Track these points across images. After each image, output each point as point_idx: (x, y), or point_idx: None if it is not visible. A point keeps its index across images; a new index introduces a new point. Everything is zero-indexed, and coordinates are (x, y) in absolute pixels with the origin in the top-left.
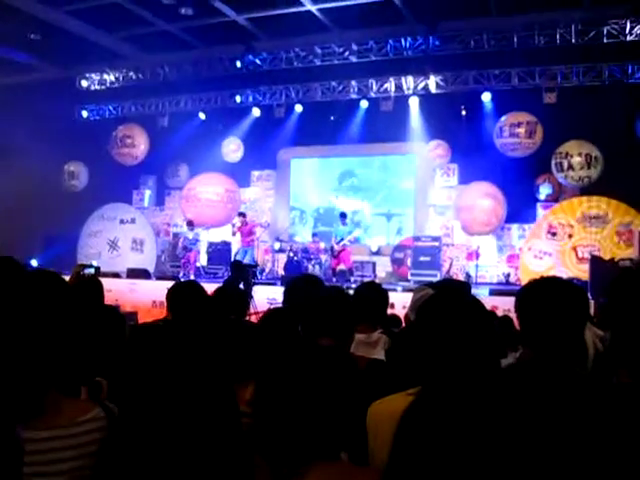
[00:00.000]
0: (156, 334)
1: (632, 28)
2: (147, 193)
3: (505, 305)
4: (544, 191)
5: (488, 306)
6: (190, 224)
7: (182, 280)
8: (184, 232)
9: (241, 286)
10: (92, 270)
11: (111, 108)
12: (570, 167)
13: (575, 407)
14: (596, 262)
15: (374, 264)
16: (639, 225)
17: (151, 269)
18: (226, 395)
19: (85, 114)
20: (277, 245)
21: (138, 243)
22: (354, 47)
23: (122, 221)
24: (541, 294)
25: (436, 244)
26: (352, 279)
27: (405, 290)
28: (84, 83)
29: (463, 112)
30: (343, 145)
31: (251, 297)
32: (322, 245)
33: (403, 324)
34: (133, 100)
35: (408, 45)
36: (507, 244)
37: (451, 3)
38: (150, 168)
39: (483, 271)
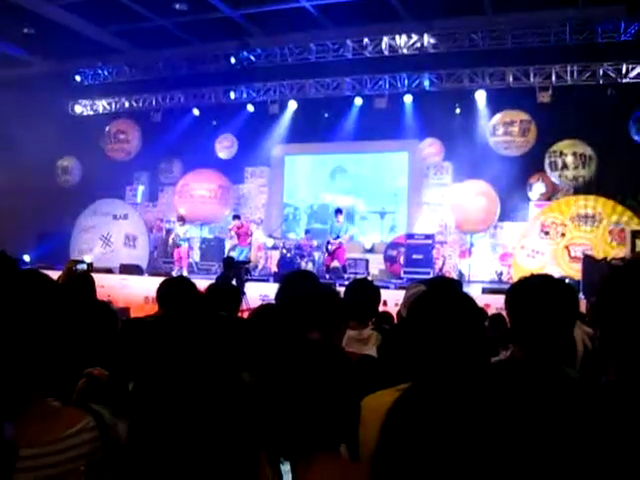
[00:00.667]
0: (148, 329)
1: (626, 28)
2: (140, 189)
3: (497, 303)
4: (537, 190)
5: (480, 304)
6: (181, 220)
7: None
8: (174, 228)
9: (233, 282)
10: (85, 266)
11: (105, 103)
12: (565, 166)
13: (561, 405)
14: (589, 261)
15: (367, 261)
16: (631, 225)
17: (144, 265)
18: (234, 386)
19: (78, 109)
20: (270, 242)
21: (131, 239)
22: (349, 44)
23: (115, 217)
24: (531, 292)
25: (429, 242)
26: (345, 276)
27: (398, 287)
28: (78, 78)
29: (457, 110)
30: (337, 142)
31: (243, 294)
32: (315, 242)
33: (395, 321)
34: (127, 95)
35: (403, 43)
36: (500, 242)
37: (446, 1)
38: (143, 164)
39: (476, 269)
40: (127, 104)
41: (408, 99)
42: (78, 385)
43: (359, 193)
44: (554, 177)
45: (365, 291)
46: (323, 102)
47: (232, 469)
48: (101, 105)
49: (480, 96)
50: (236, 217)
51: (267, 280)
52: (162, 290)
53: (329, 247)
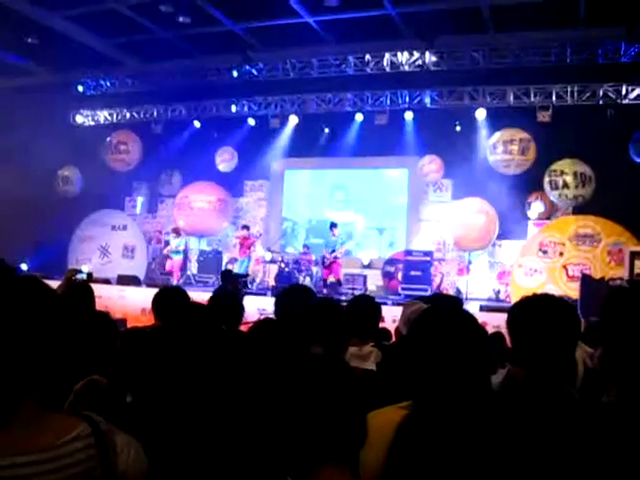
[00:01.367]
0: (147, 340)
1: (627, 49)
2: (140, 200)
3: (495, 321)
4: (536, 209)
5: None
6: (175, 232)
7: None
8: (169, 240)
9: None
10: (84, 275)
11: (106, 114)
12: (565, 185)
13: (564, 425)
14: (587, 281)
15: (365, 277)
16: (630, 245)
17: (141, 276)
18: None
19: (80, 119)
20: (268, 256)
21: (129, 250)
22: (351, 60)
23: (114, 227)
24: (534, 311)
25: (427, 259)
26: (342, 290)
27: (395, 304)
28: (80, 88)
29: (457, 128)
30: (337, 157)
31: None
32: (313, 257)
33: (393, 337)
34: (128, 107)
35: (404, 60)
36: (498, 261)
37: (449, 19)
38: (143, 175)
39: (473, 287)
40: (128, 115)
41: (409, 116)
42: (75, 387)
43: (358, 209)
44: (553, 196)
45: (367, 307)
46: (324, 117)
47: None
48: (102, 116)
49: (480, 114)
50: (245, 227)
51: (264, 294)
52: (157, 301)
53: (325, 261)
